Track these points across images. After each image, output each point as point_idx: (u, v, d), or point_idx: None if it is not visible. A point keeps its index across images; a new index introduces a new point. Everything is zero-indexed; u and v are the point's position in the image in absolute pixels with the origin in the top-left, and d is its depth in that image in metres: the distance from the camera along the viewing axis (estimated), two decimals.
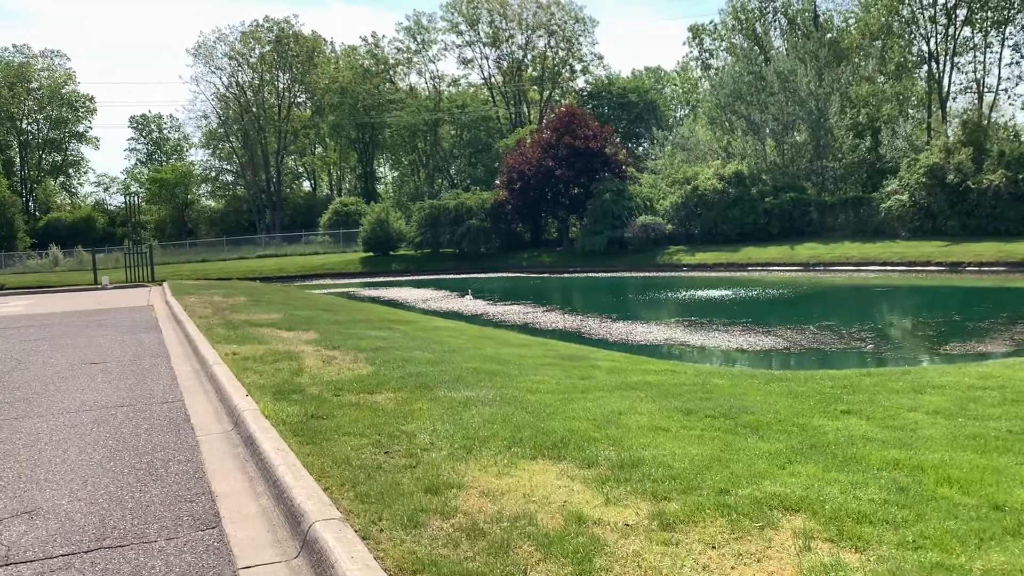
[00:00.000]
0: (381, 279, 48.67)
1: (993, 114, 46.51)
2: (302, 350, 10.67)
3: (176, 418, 7.46)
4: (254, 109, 79.68)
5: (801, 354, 15.81)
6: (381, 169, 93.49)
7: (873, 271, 36.18)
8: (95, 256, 45.09)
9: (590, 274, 43.95)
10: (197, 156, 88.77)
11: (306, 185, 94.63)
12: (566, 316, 24.14)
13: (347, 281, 48.86)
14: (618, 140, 54.26)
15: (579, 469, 5.11)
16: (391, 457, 5.41)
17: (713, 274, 40.21)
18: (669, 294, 31.26)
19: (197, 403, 8.14)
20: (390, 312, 20.61)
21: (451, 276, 47.57)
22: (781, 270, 39.33)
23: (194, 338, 12.38)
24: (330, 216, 65.71)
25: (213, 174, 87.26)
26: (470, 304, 29.75)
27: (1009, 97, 49.35)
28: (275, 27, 78.70)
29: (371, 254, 55.22)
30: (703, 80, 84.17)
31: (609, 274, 43.29)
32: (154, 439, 6.69)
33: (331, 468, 5.17)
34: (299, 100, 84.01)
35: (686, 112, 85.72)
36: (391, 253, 55.55)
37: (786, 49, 51.30)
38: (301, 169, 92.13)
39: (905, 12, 47.59)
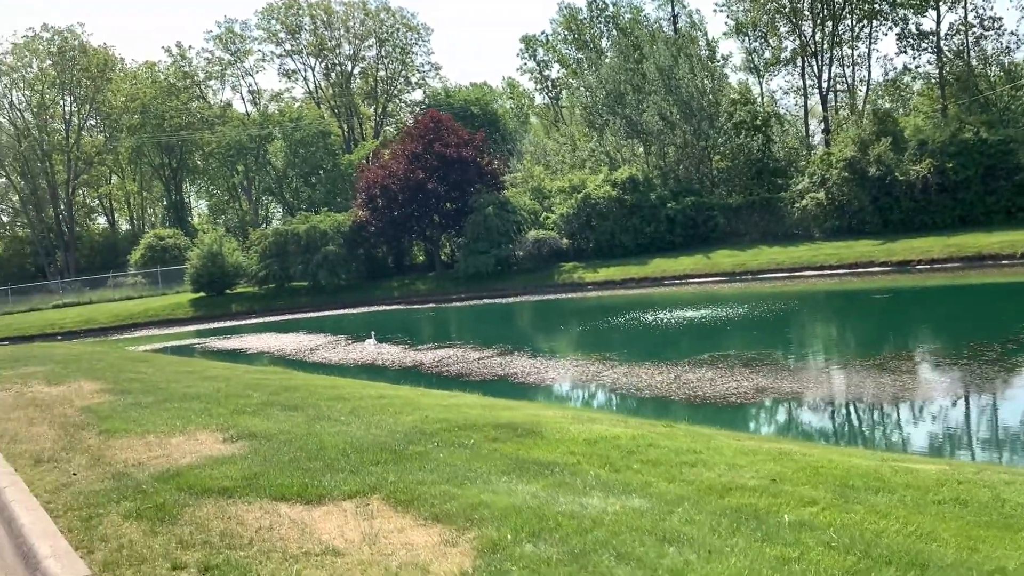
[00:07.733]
0: (222, 324, 39.89)
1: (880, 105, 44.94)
2: None
3: None
4: (35, 133, 67.04)
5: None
6: (190, 198, 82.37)
7: (810, 276, 32.35)
8: None
9: (483, 300, 37.59)
10: None
11: (101, 221, 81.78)
12: (536, 361, 17.89)
13: (179, 330, 39.70)
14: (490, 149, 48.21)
15: None
16: None
17: (626, 291, 35.08)
18: (613, 319, 25.64)
19: None
20: (388, 393, 10.98)
21: (309, 315, 39.68)
22: (703, 282, 34.85)
23: None
24: (143, 252, 55.36)
25: None
26: (378, 351, 22.72)
27: (898, 88, 47.53)
28: (56, 37, 66.66)
29: (203, 294, 45.94)
30: (537, 92, 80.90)
31: (505, 299, 37.16)
32: None
33: None
34: (91, 123, 71.96)
35: (518, 125, 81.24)
36: (228, 292, 46.57)
37: (614, 53, 46.97)
38: (95, 202, 79.46)
39: (783, 3, 45.00)
